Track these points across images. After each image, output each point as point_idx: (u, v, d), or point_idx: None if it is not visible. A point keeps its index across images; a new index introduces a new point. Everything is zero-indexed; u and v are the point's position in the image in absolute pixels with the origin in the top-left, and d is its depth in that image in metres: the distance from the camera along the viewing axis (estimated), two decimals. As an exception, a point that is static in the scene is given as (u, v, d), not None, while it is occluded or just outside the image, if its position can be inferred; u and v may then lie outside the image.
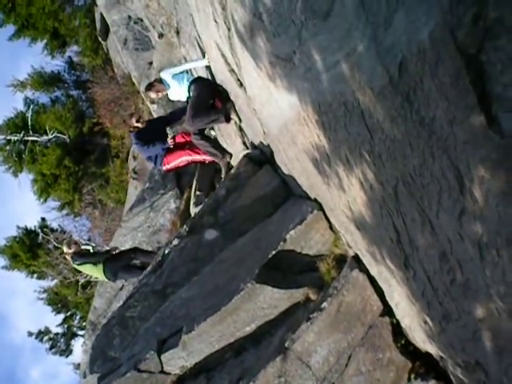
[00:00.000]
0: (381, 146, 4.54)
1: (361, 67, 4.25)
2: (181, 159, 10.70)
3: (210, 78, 9.86)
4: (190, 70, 10.75)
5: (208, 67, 9.74)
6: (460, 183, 3.84)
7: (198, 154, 10.54)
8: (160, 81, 9.99)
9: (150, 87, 10.16)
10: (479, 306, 4.35)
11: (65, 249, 12.41)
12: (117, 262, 12.03)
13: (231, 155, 9.82)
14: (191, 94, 9.45)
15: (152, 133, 10.45)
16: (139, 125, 10.61)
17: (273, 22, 5.09)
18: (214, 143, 10.11)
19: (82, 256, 12.09)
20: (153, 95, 10.18)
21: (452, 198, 3.99)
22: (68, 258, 12.47)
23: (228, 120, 9.17)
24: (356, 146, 4.90)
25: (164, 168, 10.85)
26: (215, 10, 6.77)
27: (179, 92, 9.83)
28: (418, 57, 3.66)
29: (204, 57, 9.69)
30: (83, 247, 12.95)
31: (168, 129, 10.30)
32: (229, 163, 9.78)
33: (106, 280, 12.49)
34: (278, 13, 4.92)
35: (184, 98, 9.80)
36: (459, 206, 3.95)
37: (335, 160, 5.45)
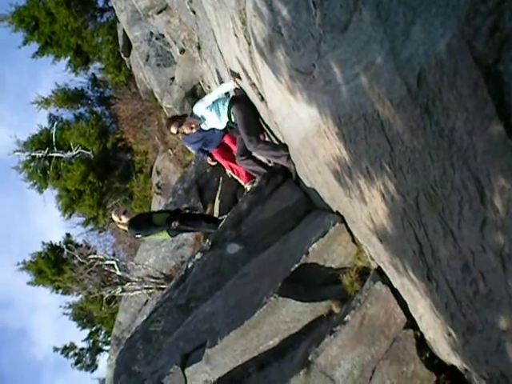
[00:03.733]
0: (401, 157, 4.53)
1: (379, 79, 4.25)
2: (224, 164, 10.93)
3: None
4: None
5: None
6: (481, 193, 3.81)
7: (239, 175, 10.72)
8: (191, 114, 9.42)
9: (177, 122, 9.58)
10: (503, 318, 4.30)
11: (115, 218, 11.00)
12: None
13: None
14: (234, 117, 8.94)
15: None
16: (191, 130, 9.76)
17: (292, 35, 5.12)
18: (271, 146, 8.90)
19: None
20: (187, 130, 9.55)
21: (473, 209, 3.96)
22: (122, 227, 11.07)
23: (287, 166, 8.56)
24: (376, 157, 4.89)
25: (209, 162, 10.91)
26: (235, 25, 6.81)
27: (217, 121, 9.33)
28: (435, 68, 3.65)
29: (229, 75, 9.26)
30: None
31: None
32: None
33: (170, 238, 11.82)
34: (297, 26, 4.94)
35: (222, 126, 9.41)
36: (480, 216, 3.92)
37: (356, 172, 5.44)
